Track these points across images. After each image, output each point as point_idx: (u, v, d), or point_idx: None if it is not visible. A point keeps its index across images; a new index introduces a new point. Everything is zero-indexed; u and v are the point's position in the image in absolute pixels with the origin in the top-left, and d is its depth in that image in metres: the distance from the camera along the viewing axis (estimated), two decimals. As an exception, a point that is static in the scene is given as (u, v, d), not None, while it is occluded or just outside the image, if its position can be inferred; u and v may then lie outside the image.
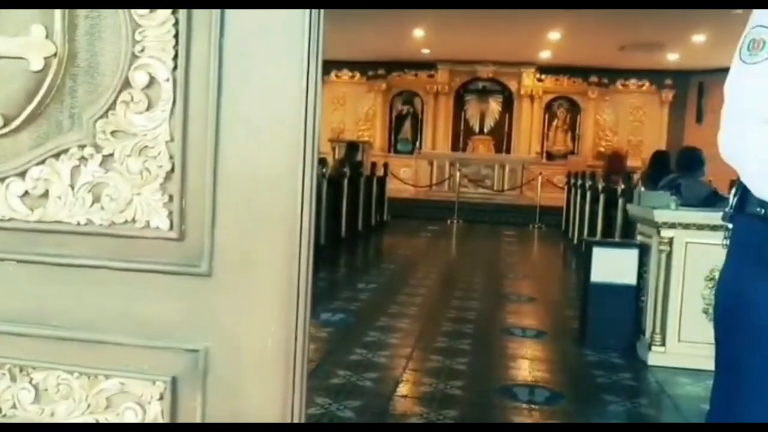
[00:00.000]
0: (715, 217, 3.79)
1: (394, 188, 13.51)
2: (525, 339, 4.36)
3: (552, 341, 4.34)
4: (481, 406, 3.07)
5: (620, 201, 6.83)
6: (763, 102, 1.33)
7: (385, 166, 11.09)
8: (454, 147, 15.82)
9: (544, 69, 15.39)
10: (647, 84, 15.50)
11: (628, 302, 4.03)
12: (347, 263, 7.29)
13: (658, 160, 6.97)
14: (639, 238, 4.19)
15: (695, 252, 3.75)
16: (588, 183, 8.77)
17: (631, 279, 4.01)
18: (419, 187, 14.11)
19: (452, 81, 15.77)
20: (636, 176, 14.76)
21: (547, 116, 15.75)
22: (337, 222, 8.28)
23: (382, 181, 10.84)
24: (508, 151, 15.59)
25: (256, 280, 1.23)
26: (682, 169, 5.25)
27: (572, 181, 10.06)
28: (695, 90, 15.34)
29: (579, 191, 8.73)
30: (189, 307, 1.24)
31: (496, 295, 5.76)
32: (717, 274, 3.68)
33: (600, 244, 4.04)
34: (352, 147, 9.56)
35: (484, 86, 15.85)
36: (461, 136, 15.89)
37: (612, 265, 4.01)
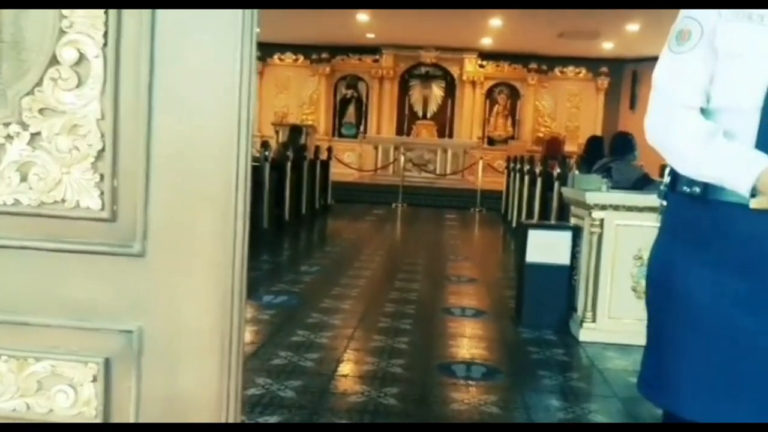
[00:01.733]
0: (643, 199, 3.95)
1: (338, 172, 13.48)
2: (464, 318, 4.45)
3: (490, 320, 4.44)
4: (421, 383, 3.13)
5: (556, 184, 7.01)
6: (687, 89, 1.41)
7: (329, 150, 11.05)
8: (399, 131, 15.88)
9: (486, 55, 15.58)
10: (584, 71, 15.89)
11: (562, 282, 4.16)
12: (291, 246, 7.26)
13: (593, 144, 7.17)
14: (573, 220, 4.32)
15: (624, 233, 3.90)
16: (526, 167, 8.96)
17: (564, 259, 4.14)
18: (364, 172, 14.13)
19: (397, 66, 15.79)
20: (572, 161, 15.24)
21: (488, 102, 15.98)
22: (281, 206, 8.21)
23: (325, 165, 10.80)
24: (450, 136, 15.76)
25: (190, 261, 1.23)
26: (614, 153, 5.43)
27: (512, 165, 10.25)
28: (629, 78, 15.82)
29: (518, 175, 8.90)
30: (122, 288, 1.23)
31: (438, 276, 5.85)
32: (645, 254, 3.83)
33: (535, 226, 4.15)
34: (296, 130, 9.47)
35: (428, 71, 15.94)
36: (405, 120, 15.96)
37: (546, 247, 4.13)
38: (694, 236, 1.40)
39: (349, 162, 15.05)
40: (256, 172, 7.21)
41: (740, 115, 1.33)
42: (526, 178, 8.75)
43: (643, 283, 4.08)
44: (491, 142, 15.96)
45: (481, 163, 12.61)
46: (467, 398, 2.93)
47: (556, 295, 4.16)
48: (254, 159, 7.40)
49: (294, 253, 6.72)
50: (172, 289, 1.23)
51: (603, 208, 3.88)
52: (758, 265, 1.30)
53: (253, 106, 1.24)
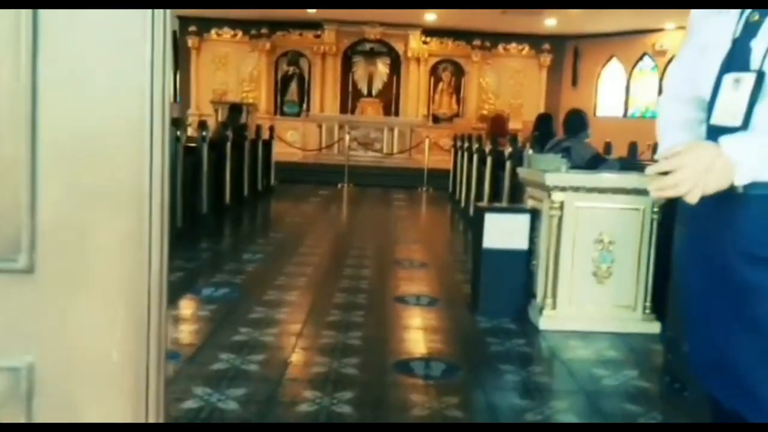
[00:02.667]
0: (603, 180, 3.80)
1: (281, 152, 13.04)
2: (419, 308, 4.23)
3: (445, 309, 4.24)
4: (377, 385, 2.89)
5: (508, 164, 6.86)
6: (674, 81, 1.59)
7: (271, 129, 10.63)
8: (343, 109, 15.53)
9: (430, 32, 15.33)
10: (527, 48, 15.85)
11: (520, 267, 3.99)
12: (232, 232, 6.89)
13: (543, 122, 7.05)
14: (530, 202, 4.14)
15: (585, 215, 3.74)
16: (474, 146, 8.79)
17: (522, 244, 3.96)
18: (308, 151, 13.74)
19: (339, 42, 15.38)
20: (521, 138, 15.25)
21: (432, 79, 15.77)
22: (220, 189, 7.81)
23: (268, 145, 10.39)
24: (396, 113, 15.52)
25: (93, 275, 0.95)
26: (567, 132, 5.28)
27: (458, 143, 10.08)
28: (571, 54, 15.88)
29: (465, 154, 8.73)
30: (4, 313, 0.94)
31: (389, 261, 5.62)
32: (606, 237, 3.69)
33: (492, 210, 3.95)
34: (235, 109, 9.02)
35: (372, 48, 15.59)
36: (350, 98, 15.61)
37: (504, 231, 3.94)
38: (684, 218, 1.56)
39: (293, 141, 14.63)
40: (194, 154, 6.81)
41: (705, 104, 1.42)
42: (475, 157, 8.59)
43: (603, 267, 3.97)
44: (436, 119, 15.79)
45: (427, 141, 12.40)
46: (428, 401, 2.69)
47: (513, 281, 3.98)
48: (191, 140, 6.98)
49: (235, 240, 6.37)
50: (70, 311, 0.97)
51: (563, 189, 3.70)
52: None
53: (169, 82, 0.96)
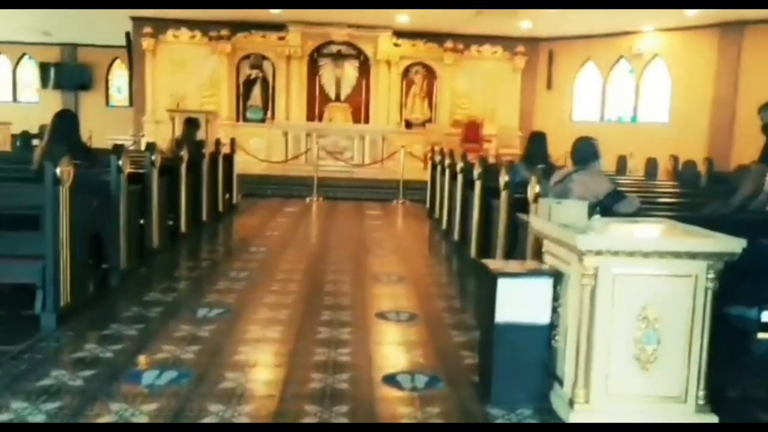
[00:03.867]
0: (649, 241, 3.01)
1: (244, 162, 12.08)
2: (415, 393, 3.39)
3: (448, 393, 3.40)
4: None
5: (477, 184, 6.12)
6: None
7: (233, 141, 9.66)
8: (310, 115, 14.60)
9: (401, 33, 14.49)
10: (500, 50, 15.12)
11: (540, 344, 3.19)
12: (188, 271, 5.91)
13: (535, 141, 6.29)
14: (548, 259, 3.34)
15: (625, 285, 2.95)
16: (447, 161, 8.01)
17: (543, 317, 3.16)
18: (273, 163, 12.77)
19: (305, 44, 14.44)
20: (488, 145, 14.52)
21: (404, 83, 14.94)
22: (176, 217, 6.87)
23: (229, 159, 9.43)
24: (366, 119, 14.65)
25: None
26: (576, 162, 4.52)
27: (435, 158, 9.28)
28: (546, 57, 15.22)
29: (447, 171, 7.93)
30: None
31: (370, 317, 4.76)
32: (652, 313, 2.90)
33: (506, 275, 3.14)
34: (192, 123, 8.04)
35: (339, 50, 14.69)
36: (317, 103, 14.69)
37: (521, 301, 3.13)
38: None
39: (257, 149, 13.66)
40: (141, 181, 5.85)
41: None
42: (459, 180, 7.83)
43: (648, 349, 3.20)
44: (409, 125, 14.98)
45: (402, 151, 11.57)
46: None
47: (532, 361, 3.18)
48: (138, 164, 6.02)
49: (193, 282, 5.43)
50: None
51: (598, 253, 2.91)
52: None
53: None
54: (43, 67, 18.00)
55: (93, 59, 18.13)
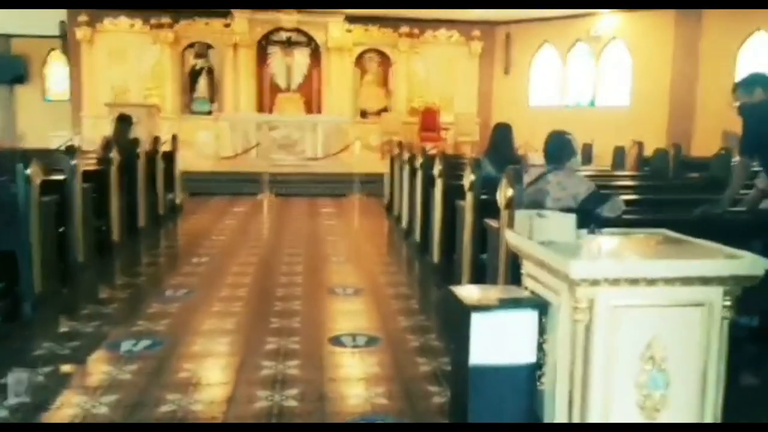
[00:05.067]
0: (655, 267, 2.46)
1: (190, 158, 11.29)
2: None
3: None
4: None
5: (438, 182, 5.56)
6: None
7: (174, 138, 8.87)
8: (260, 106, 13.82)
9: (353, 18, 13.79)
10: (456, 35, 14.57)
11: (523, 387, 2.63)
12: (118, 290, 5.14)
13: (500, 134, 5.75)
14: (529, 283, 2.78)
15: (626, 319, 2.40)
16: (405, 155, 7.42)
17: (527, 355, 2.60)
18: (221, 159, 11.96)
19: (252, 31, 13.61)
20: (447, 134, 13.98)
21: (358, 70, 14.27)
22: (105, 226, 6.11)
23: (170, 157, 8.64)
24: (319, 110, 13.94)
25: None
26: (550, 161, 3.97)
27: (393, 151, 8.68)
28: (502, 41, 14.72)
29: (406, 167, 7.33)
30: None
31: (322, 336, 4.15)
32: (658, 352, 2.37)
33: (482, 308, 2.57)
34: (124, 121, 7.24)
35: (289, 37, 13.90)
36: (266, 93, 13.91)
37: (500, 338, 2.56)
38: None
39: (204, 144, 12.85)
40: (61, 192, 5.09)
41: None
42: (407, 167, 7.25)
43: (655, 395, 2.66)
44: (364, 114, 14.34)
45: (357, 144, 10.92)
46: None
47: (514, 407, 2.63)
48: (57, 171, 5.26)
49: (121, 305, 4.72)
50: None
51: (595, 283, 2.35)
52: None
53: None
54: (-27, 60, 16.68)
55: (28, 50, 16.87)
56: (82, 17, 13.31)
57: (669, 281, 2.39)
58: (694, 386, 2.45)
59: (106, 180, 6.11)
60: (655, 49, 12.52)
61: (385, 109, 14.35)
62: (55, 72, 16.98)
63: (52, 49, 16.60)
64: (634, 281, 2.37)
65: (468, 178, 4.60)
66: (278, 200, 10.22)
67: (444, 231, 5.53)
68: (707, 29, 12.11)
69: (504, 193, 3.74)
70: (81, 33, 13.32)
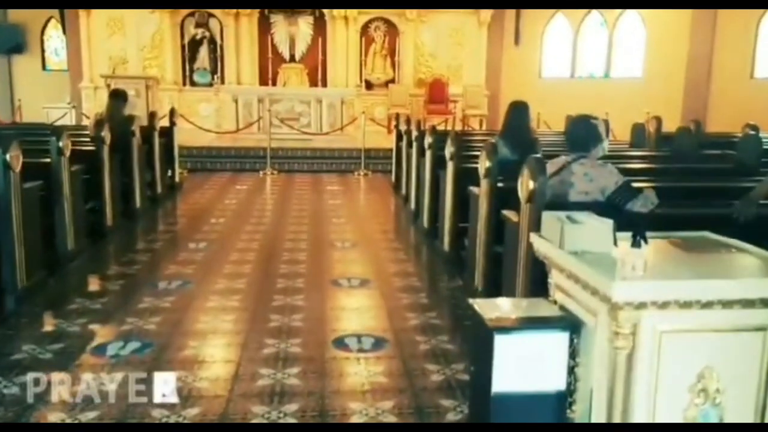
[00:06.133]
0: (710, 287, 2.10)
1: (191, 132, 10.91)
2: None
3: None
4: None
5: (450, 166, 5.19)
6: None
7: (172, 112, 8.47)
8: (263, 77, 13.33)
9: (358, -14, 13.21)
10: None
11: (551, 417, 2.31)
12: (107, 282, 4.81)
13: (515, 114, 5.29)
14: (558, 296, 2.43)
15: (676, 347, 2.06)
16: (414, 132, 7.03)
17: (557, 382, 2.27)
18: (222, 133, 11.57)
19: (254, -1, 13.07)
20: (454, 105, 13.48)
21: (363, 40, 13.72)
22: (99, 209, 5.78)
23: (168, 133, 8.26)
24: (324, 81, 13.45)
25: None
26: (574, 148, 3.59)
27: (400, 127, 8.27)
28: (513, 10, 14.11)
29: (414, 144, 6.95)
30: None
31: (324, 332, 3.84)
32: (709, 381, 2.03)
33: (505, 330, 2.23)
34: (117, 97, 6.83)
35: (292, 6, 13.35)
36: (270, 64, 13.40)
37: (527, 363, 2.23)
38: None
39: (206, 117, 12.44)
40: (47, 175, 4.75)
41: None
42: (414, 145, 6.87)
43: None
44: (370, 86, 13.84)
45: (363, 117, 10.50)
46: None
47: (541, 438, 2.31)
48: (43, 153, 4.91)
49: (111, 298, 4.40)
50: None
51: (641, 306, 2.00)
52: None
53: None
54: (-30, 28, 16.18)
55: (25, 19, 16.35)
56: (79, -15, 12.79)
57: (727, 304, 2.04)
58: (751, 419, 2.12)
59: (98, 161, 5.76)
60: (671, 21, 11.97)
61: (391, 81, 13.84)
62: (55, 41, 16.49)
63: (51, 17, 16.08)
64: (686, 304, 2.03)
65: (484, 163, 4.23)
66: (281, 177, 9.86)
67: (455, 218, 5.18)
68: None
69: (525, 184, 3.37)
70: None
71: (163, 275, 4.82)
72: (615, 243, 2.33)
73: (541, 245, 2.51)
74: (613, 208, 3.34)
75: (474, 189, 4.54)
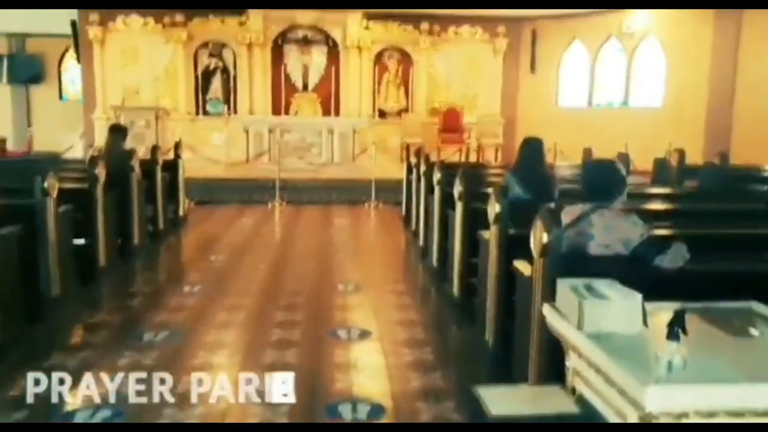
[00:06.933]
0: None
1: (200, 163, 10.68)
2: None
3: None
4: None
5: (460, 203, 4.79)
6: None
7: (178, 145, 8.21)
8: (275, 107, 13.11)
9: (372, 16, 13.00)
10: (480, 31, 13.66)
11: None
12: (87, 334, 4.45)
13: (529, 149, 4.94)
14: (578, 385, 2.02)
15: (726, 466, 1.64)
16: (422, 166, 6.64)
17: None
18: (232, 164, 11.28)
19: (268, 29, 12.90)
20: (469, 134, 13.10)
21: (377, 69, 13.47)
22: (91, 249, 5.45)
23: (173, 166, 7.97)
24: (336, 110, 13.20)
25: None
26: (594, 196, 3.17)
27: (411, 160, 7.90)
28: (528, 37, 13.80)
29: (423, 179, 6.57)
30: None
31: (316, 396, 3.43)
32: None
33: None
34: (117, 132, 6.54)
35: (306, 35, 13.16)
36: (282, 93, 13.19)
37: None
38: None
39: (217, 146, 12.20)
40: (30, 217, 4.44)
41: None
42: (423, 181, 6.50)
43: None
44: (383, 114, 13.56)
45: (374, 148, 10.17)
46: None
47: None
48: (28, 192, 4.60)
49: (90, 352, 4.05)
50: None
51: (682, 416, 1.59)
52: None
53: None
54: (-9, 59, 16.23)
55: (44, 49, 16.39)
56: (94, 16, 12.72)
57: (790, 413, 1.61)
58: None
59: (92, 199, 5.45)
60: (692, 47, 11.53)
61: (405, 110, 13.56)
62: (72, 71, 16.48)
63: (68, 48, 16.07)
64: (737, 414, 1.60)
65: (493, 207, 3.83)
66: (290, 209, 9.53)
67: (465, 261, 4.77)
68: (748, 27, 11.10)
69: (538, 237, 2.97)
70: (92, 32, 12.74)
71: (151, 324, 4.45)
72: (645, 323, 1.92)
73: (555, 322, 2.11)
74: (639, 263, 2.94)
75: (484, 233, 4.13)
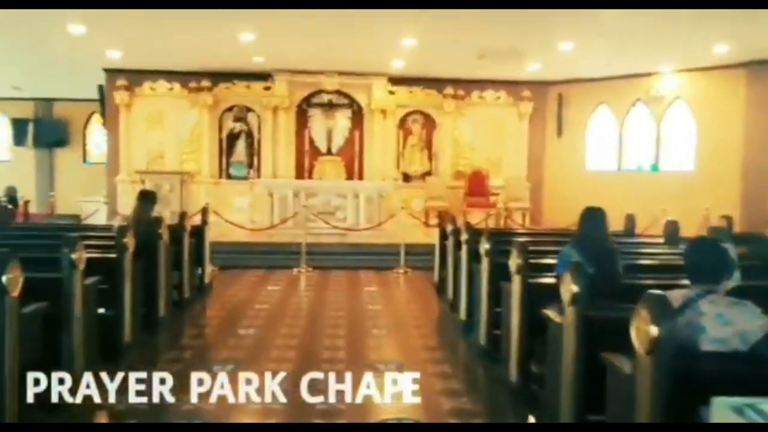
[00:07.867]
0: None
1: (224, 227, 10.36)
2: None
3: None
4: None
5: (518, 276, 4.36)
6: None
7: (204, 211, 7.91)
8: (299, 170, 12.91)
9: (396, 80, 12.93)
10: (504, 95, 13.53)
11: None
12: (117, 416, 4.04)
13: (590, 220, 4.53)
14: None
15: None
16: (464, 236, 6.23)
17: None
18: (257, 230, 10.94)
19: (293, 94, 12.85)
20: (496, 198, 12.78)
21: (401, 133, 13.31)
22: (117, 324, 5.05)
23: (199, 231, 7.65)
24: (360, 173, 12.97)
25: None
26: (699, 279, 2.75)
27: (446, 227, 7.51)
28: (554, 101, 13.63)
29: (453, 239, 6.17)
30: None
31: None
32: None
33: None
34: (146, 198, 6.27)
35: (330, 100, 13.08)
36: (306, 156, 13.01)
37: None
38: None
39: (240, 210, 11.94)
40: (55, 293, 4.06)
41: None
42: (464, 248, 6.08)
43: None
44: (407, 178, 13.30)
45: (402, 213, 9.84)
46: None
47: None
48: (53, 263, 4.24)
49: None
50: None
51: None
52: None
53: None
54: (18, 124, 16.29)
55: (69, 114, 16.46)
56: (121, 81, 12.74)
57: None
58: None
59: (120, 271, 5.09)
60: (724, 109, 11.27)
61: (428, 173, 13.30)
62: (96, 135, 16.50)
63: (94, 112, 16.13)
64: None
65: (569, 288, 3.39)
66: (316, 274, 9.13)
67: (524, 342, 4.30)
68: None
69: (643, 331, 2.51)
70: (119, 97, 12.73)
71: (178, 413, 3.98)
72: None
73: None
74: (763, 363, 2.49)
75: (553, 316, 3.68)
